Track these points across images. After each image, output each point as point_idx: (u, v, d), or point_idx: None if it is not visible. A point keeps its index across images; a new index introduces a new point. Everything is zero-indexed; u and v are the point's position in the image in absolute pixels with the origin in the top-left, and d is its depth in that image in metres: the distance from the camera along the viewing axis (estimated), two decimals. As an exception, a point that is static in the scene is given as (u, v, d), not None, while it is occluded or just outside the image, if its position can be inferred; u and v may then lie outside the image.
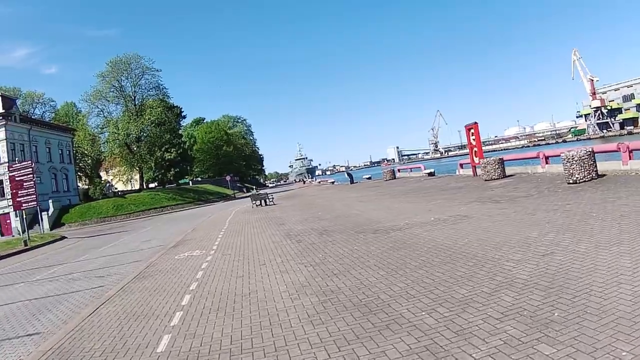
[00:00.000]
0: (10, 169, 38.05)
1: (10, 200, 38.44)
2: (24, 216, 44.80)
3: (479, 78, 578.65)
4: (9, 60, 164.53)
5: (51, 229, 58.48)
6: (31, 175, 37.10)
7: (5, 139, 62.02)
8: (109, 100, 79.75)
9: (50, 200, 63.74)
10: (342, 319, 7.15)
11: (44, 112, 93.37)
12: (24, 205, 36.92)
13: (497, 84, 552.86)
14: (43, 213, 60.50)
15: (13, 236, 55.17)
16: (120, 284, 13.58)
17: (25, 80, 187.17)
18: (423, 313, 6.77)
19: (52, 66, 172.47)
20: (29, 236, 36.92)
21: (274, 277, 10.82)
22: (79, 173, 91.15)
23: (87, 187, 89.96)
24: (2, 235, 57.98)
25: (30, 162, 39.19)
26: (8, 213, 57.46)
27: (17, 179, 36.89)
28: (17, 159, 50.88)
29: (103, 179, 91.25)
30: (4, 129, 61.82)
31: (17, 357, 8.48)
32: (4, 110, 63.36)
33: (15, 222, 60.09)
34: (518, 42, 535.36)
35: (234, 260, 14.19)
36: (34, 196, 36.99)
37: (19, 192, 36.73)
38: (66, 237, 40.30)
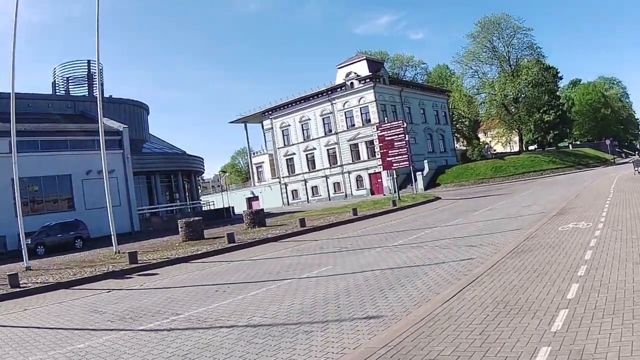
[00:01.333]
0: (380, 128, 39.44)
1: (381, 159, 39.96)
2: (395, 176, 46.24)
3: None
4: (374, 28, 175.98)
5: (425, 189, 59.98)
6: (402, 135, 37.80)
7: (375, 101, 65.85)
8: (482, 61, 78.91)
9: (425, 161, 65.53)
10: None
11: (415, 74, 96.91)
12: (394, 165, 37.96)
13: None
14: (417, 173, 62.48)
15: (384, 195, 57.85)
16: (493, 258, 11.35)
17: (393, 45, 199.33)
18: None
19: (418, 31, 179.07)
20: (399, 196, 37.81)
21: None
22: (456, 134, 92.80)
23: (464, 148, 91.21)
24: (373, 194, 61.95)
25: (400, 121, 40.11)
26: (379, 172, 60.79)
27: (387, 138, 38.04)
28: (385, 119, 53.09)
29: (481, 140, 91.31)
30: (372, 90, 65.68)
31: (341, 348, 6.79)
32: (370, 73, 67.38)
33: (387, 182, 63.53)
34: None
35: (626, 238, 11.28)
36: (406, 156, 37.64)
37: (389, 151, 37.81)
38: (440, 198, 40.08)
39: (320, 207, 49.98)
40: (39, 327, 10.65)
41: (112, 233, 25.11)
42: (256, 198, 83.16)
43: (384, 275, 11.59)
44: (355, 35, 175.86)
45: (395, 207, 33.01)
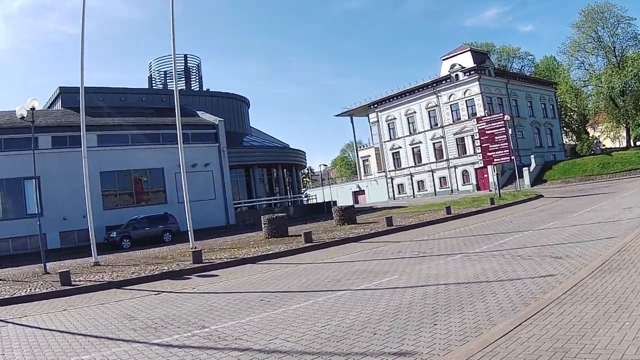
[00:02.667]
0: (480, 121, 36.92)
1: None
2: (495, 172, 43.35)
3: None
4: (482, 20, 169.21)
5: (532, 185, 56.85)
6: (503, 129, 35.13)
7: (480, 93, 62.79)
8: (587, 52, 73.41)
9: (532, 156, 61.83)
10: None
11: (522, 66, 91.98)
12: (495, 160, 35.42)
13: None
14: (524, 169, 59.25)
15: (490, 191, 55.32)
16: (574, 277, 9.42)
17: (501, 38, 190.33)
18: None
19: (527, 24, 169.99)
20: (499, 193, 35.20)
21: None
22: (564, 128, 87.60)
23: (574, 143, 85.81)
24: (479, 189, 58.96)
25: (501, 114, 37.38)
26: (485, 167, 57.98)
27: (487, 132, 35.50)
28: (486, 111, 50.23)
29: (590, 135, 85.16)
30: (477, 82, 62.68)
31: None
32: (475, 65, 64.15)
33: (493, 177, 60.40)
34: None
35: None
36: (507, 151, 34.96)
37: (490, 146, 35.27)
38: (542, 196, 37.02)
39: (423, 202, 48.14)
40: (61, 331, 10.06)
41: (189, 229, 24.64)
42: (362, 192, 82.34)
43: (447, 292, 9.89)
44: (464, 27, 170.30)
45: (492, 206, 30.55)
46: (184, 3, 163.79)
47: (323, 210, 52.75)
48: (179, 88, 56.61)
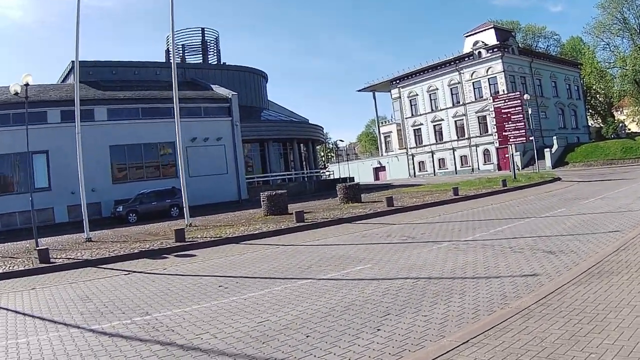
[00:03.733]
0: (495, 100, 35.05)
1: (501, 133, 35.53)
2: (513, 152, 41.46)
3: None
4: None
5: (553, 167, 54.99)
6: (520, 108, 33.31)
7: (503, 71, 60.61)
8: (613, 33, 69.37)
9: (554, 137, 59.73)
10: None
11: (547, 46, 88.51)
12: (510, 140, 33.61)
13: None
14: (545, 150, 57.26)
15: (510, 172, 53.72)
16: (558, 279, 8.07)
17: (531, 18, 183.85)
18: None
19: (557, 4, 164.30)
20: (514, 175, 33.53)
21: None
22: (590, 110, 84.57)
23: (599, 126, 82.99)
24: (500, 169, 57.09)
25: (518, 93, 35.43)
26: (506, 147, 56.12)
27: (503, 111, 33.64)
28: (509, 90, 48.21)
29: (616, 118, 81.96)
30: (500, 60, 60.56)
31: None
32: (498, 42, 61.75)
33: (515, 157, 58.41)
34: None
35: None
36: (523, 131, 33.15)
37: (506, 125, 33.46)
38: (560, 179, 35.17)
39: (441, 181, 46.59)
40: (13, 311, 9.90)
41: (184, 205, 23.72)
42: (383, 168, 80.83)
43: (412, 289, 8.58)
44: (494, 6, 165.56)
45: (504, 188, 28.69)
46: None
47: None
48: (195, 62, 56.56)
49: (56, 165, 35.16)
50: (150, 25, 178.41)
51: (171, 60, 55.34)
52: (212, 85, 48.43)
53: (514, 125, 32.90)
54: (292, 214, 23.43)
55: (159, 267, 13.69)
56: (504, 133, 33.50)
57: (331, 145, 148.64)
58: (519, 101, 33.32)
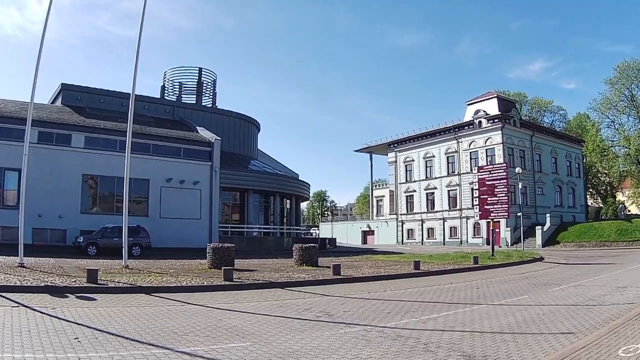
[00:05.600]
0: (481, 170, 32.81)
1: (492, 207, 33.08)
2: (496, 227, 38.99)
3: None
4: (527, 73, 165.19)
5: (543, 246, 52.71)
6: (504, 181, 31.01)
7: (502, 143, 58.89)
8: (619, 110, 68.21)
9: (547, 215, 57.29)
10: None
11: (553, 120, 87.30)
12: (491, 214, 31.22)
13: None
14: (538, 228, 54.95)
15: (500, 247, 51.60)
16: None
17: (542, 94, 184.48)
18: None
19: (571, 81, 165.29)
20: (492, 251, 30.95)
21: None
22: (591, 190, 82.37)
23: (599, 206, 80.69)
24: (489, 244, 54.44)
25: (504, 164, 33.33)
26: (498, 222, 53.75)
27: (487, 183, 31.37)
28: (510, 165, 46.36)
29: (617, 199, 79.61)
30: (500, 132, 58.94)
31: None
32: (500, 113, 60.13)
33: (505, 232, 55.91)
34: None
35: None
36: (506, 206, 30.81)
37: (489, 198, 31.14)
38: (542, 259, 32.60)
39: (426, 251, 43.87)
40: None
41: (123, 244, 21.79)
42: (372, 232, 78.39)
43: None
44: (508, 79, 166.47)
45: (474, 265, 25.84)
46: (236, 18, 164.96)
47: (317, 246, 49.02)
48: (189, 102, 55.02)
49: (26, 185, 33.71)
50: (166, 58, 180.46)
51: (166, 97, 54.85)
52: (198, 128, 46.69)
53: (497, 198, 30.59)
54: (237, 269, 21.34)
55: (46, 306, 11.96)
56: (485, 206, 31.16)
57: (329, 204, 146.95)
58: (504, 173, 31.06)
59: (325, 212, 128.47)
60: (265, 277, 19.28)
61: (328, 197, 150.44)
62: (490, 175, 31.45)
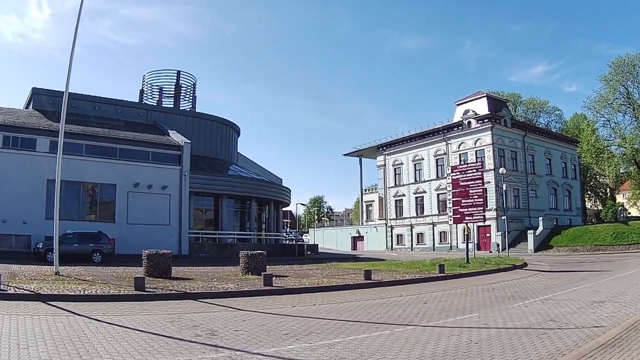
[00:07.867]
0: (454, 170, 30.51)
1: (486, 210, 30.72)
2: (465, 232, 36.63)
3: None
4: (528, 76, 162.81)
5: (535, 251, 50.49)
6: (479, 181, 28.76)
7: (492, 144, 56.42)
8: (614, 109, 65.24)
9: (540, 219, 54.71)
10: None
11: (548, 121, 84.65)
12: (466, 218, 28.90)
13: None
14: (530, 232, 52.57)
15: (490, 252, 49.61)
16: None
17: (544, 95, 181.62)
18: None
19: (572, 84, 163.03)
20: (467, 258, 28.65)
21: None
22: (589, 192, 79.72)
23: (598, 209, 78.10)
24: (479, 249, 52.20)
25: (479, 163, 31.14)
26: (488, 226, 51.41)
27: (461, 184, 29.08)
28: (500, 166, 44.23)
29: (617, 201, 76.89)
30: (490, 132, 56.48)
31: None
32: (489, 112, 57.70)
33: (496, 237, 53.51)
34: None
35: None
36: (481, 208, 28.53)
37: (463, 201, 28.85)
38: (525, 266, 30.33)
39: (412, 257, 41.44)
40: None
41: (54, 249, 20.38)
42: (361, 238, 75.99)
43: None
44: (510, 83, 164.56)
45: (438, 275, 23.25)
46: (237, 25, 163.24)
47: (294, 253, 46.79)
48: (167, 105, 52.98)
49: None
50: (166, 64, 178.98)
51: (145, 101, 52.77)
52: (170, 131, 44.58)
53: (472, 200, 28.28)
54: (175, 278, 19.54)
55: None
56: (460, 209, 28.87)
57: (325, 210, 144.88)
58: (479, 173, 28.78)
59: (322, 218, 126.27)
60: (191, 287, 17.11)
61: (325, 202, 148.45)
62: (464, 175, 29.18)
